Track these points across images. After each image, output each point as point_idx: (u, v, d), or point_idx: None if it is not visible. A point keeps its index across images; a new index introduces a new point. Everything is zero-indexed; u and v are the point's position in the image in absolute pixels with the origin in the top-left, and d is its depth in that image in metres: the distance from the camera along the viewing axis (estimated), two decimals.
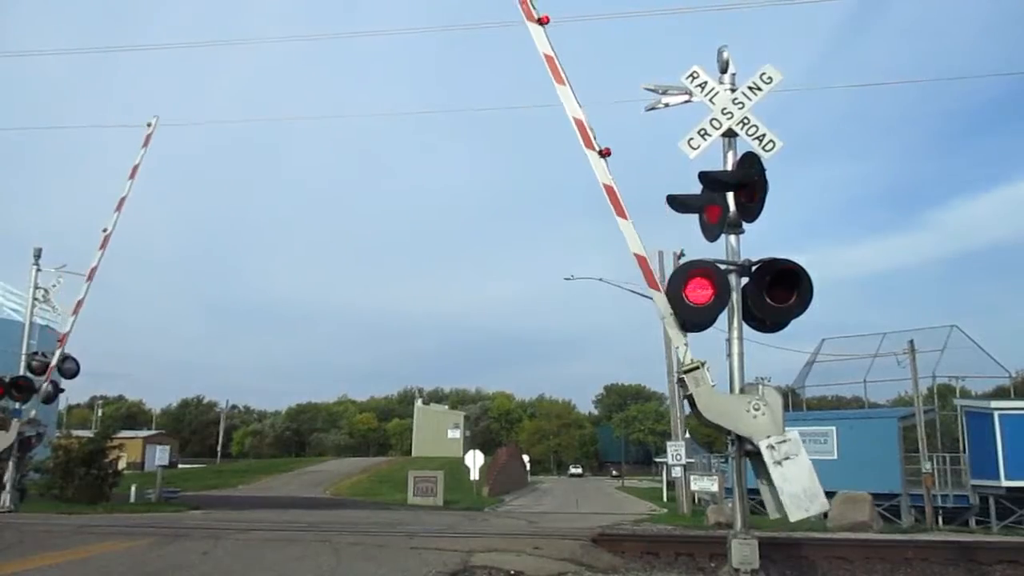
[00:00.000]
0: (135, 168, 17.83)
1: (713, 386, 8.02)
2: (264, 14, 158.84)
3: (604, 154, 9.22)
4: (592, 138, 9.32)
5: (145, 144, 17.91)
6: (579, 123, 9.41)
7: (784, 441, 7.50)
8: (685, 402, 8.09)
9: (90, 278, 17.39)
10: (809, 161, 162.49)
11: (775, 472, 7.39)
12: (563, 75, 9.60)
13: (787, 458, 7.43)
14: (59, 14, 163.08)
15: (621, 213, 9.09)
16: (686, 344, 8.38)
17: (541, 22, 9.74)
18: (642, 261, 8.94)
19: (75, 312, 17.52)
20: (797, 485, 7.35)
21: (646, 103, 9.05)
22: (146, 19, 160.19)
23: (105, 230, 17.36)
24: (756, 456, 7.65)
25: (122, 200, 17.68)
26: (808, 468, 7.46)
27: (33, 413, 17.47)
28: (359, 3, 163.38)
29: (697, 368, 8.04)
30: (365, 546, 9.84)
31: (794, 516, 7.28)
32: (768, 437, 7.50)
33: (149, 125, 17.88)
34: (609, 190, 9.16)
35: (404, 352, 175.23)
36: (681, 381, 8.15)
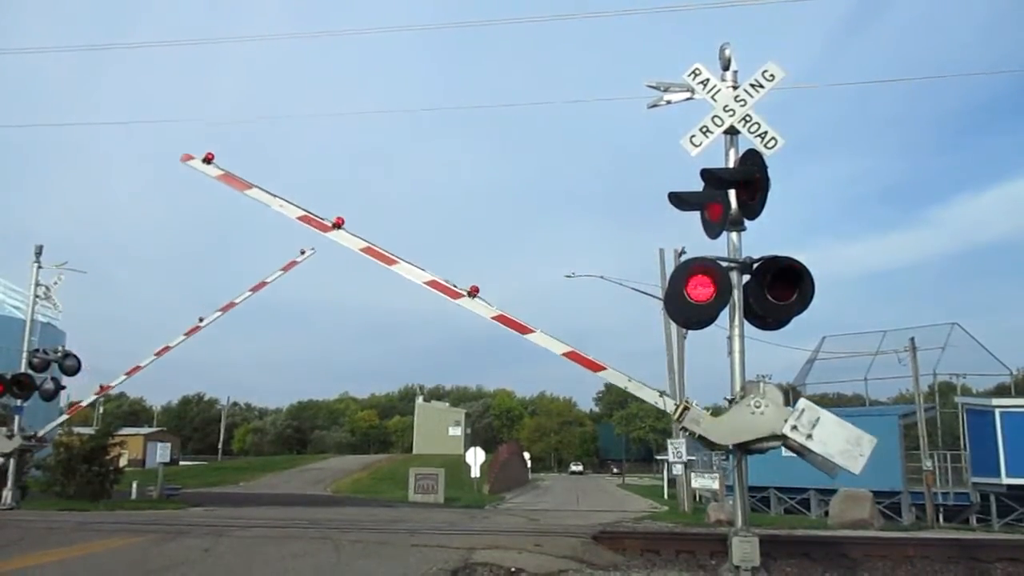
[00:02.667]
0: (262, 284, 17.46)
1: (709, 411, 8.08)
2: (266, 12, 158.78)
3: (473, 293, 9.32)
4: (453, 287, 9.43)
5: (285, 269, 17.49)
6: (434, 284, 9.57)
7: (801, 413, 7.53)
8: (684, 434, 8.15)
9: (159, 354, 17.43)
10: (810, 158, 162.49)
11: (813, 444, 7.45)
12: (392, 256, 9.74)
13: (813, 426, 7.46)
14: (62, 12, 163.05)
15: (525, 331, 9.20)
16: (660, 394, 8.52)
17: (337, 225, 9.83)
18: (573, 356, 9.06)
19: (128, 374, 17.81)
20: (838, 441, 7.42)
21: (648, 100, 9.04)
22: (147, 17, 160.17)
23: (201, 319, 17.18)
24: (789, 442, 7.66)
25: (231, 304, 17.42)
26: (835, 421, 7.54)
27: (42, 432, 17.68)
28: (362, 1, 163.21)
29: (688, 408, 8.08)
30: (366, 543, 9.84)
31: (856, 468, 7.33)
32: (785, 422, 7.52)
33: (303, 253, 17.25)
34: (501, 319, 9.29)
35: (405, 349, 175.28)
36: (684, 428, 8.21)
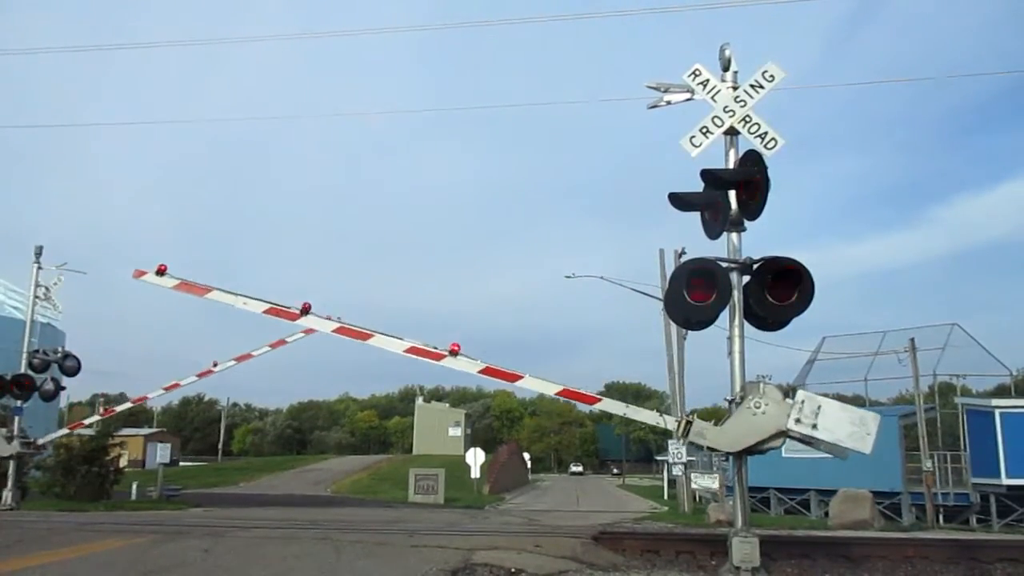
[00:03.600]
0: (281, 341, 16.89)
1: (709, 412, 8.12)
2: (264, 12, 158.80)
3: (454, 351, 9.45)
4: (433, 349, 9.58)
5: (307, 332, 16.95)
6: (413, 350, 9.70)
7: (802, 405, 7.55)
8: (689, 444, 8.30)
9: (168, 389, 17.53)
10: (811, 158, 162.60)
11: (819, 433, 7.50)
12: (366, 331, 9.92)
13: (817, 415, 7.50)
14: (58, 12, 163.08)
15: (514, 377, 9.39)
16: (660, 414, 8.68)
17: (304, 311, 10.17)
18: (566, 393, 9.32)
19: (135, 402, 18.72)
20: (844, 425, 7.47)
21: (648, 101, 9.05)
22: (145, 17, 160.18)
23: (215, 364, 17.03)
24: (794, 435, 7.70)
25: (247, 355, 16.91)
26: (837, 406, 7.61)
27: (42, 440, 17.79)
28: (361, 1, 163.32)
29: (690, 423, 8.14)
30: (366, 544, 9.84)
31: (867, 447, 7.39)
32: (788, 416, 7.54)
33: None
34: (488, 371, 9.51)
35: None
36: (691, 443, 8.33)
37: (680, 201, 8.28)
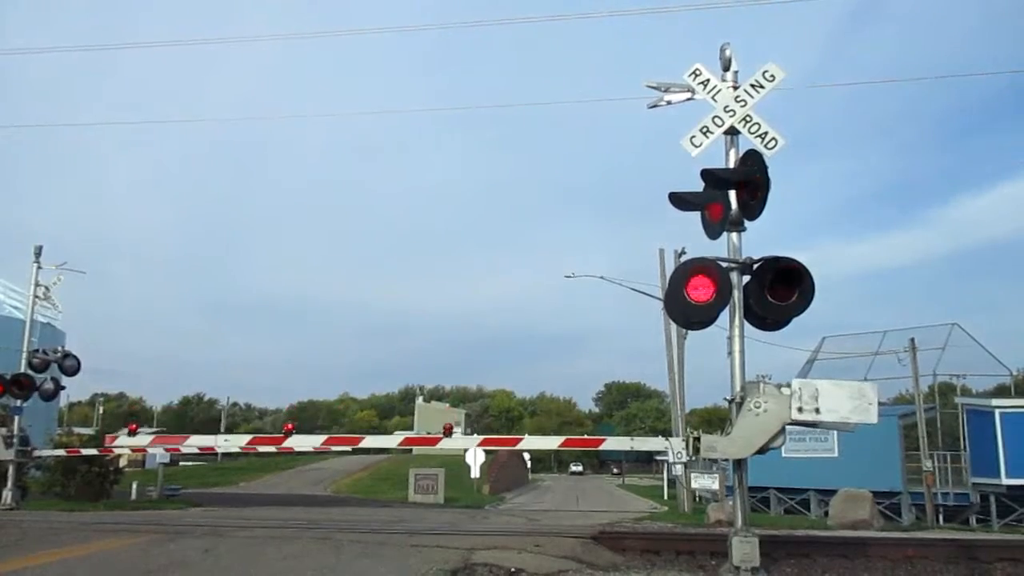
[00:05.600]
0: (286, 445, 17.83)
1: (719, 433, 8.22)
2: (262, 12, 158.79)
3: (448, 431, 10.04)
4: (427, 435, 10.64)
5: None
6: (408, 440, 10.80)
7: (799, 394, 7.60)
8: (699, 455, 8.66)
9: (169, 451, 17.72)
10: (811, 158, 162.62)
11: (824, 416, 7.57)
12: (355, 435, 10.86)
13: (816, 399, 7.55)
14: (56, 12, 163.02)
15: (514, 442, 10.33)
16: (667, 440, 9.00)
17: (288, 432, 10.71)
18: (569, 443, 10.04)
19: (135, 451, 18.16)
20: (844, 402, 7.56)
21: (649, 100, 9.04)
22: (143, 17, 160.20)
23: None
24: (806, 424, 7.78)
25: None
26: (832, 384, 7.69)
27: (38, 452, 17.94)
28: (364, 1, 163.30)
29: (698, 439, 8.28)
30: (366, 543, 9.84)
31: (871, 417, 7.51)
32: (789, 408, 7.57)
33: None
34: (487, 442, 10.99)
35: (405, 350, 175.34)
36: (705, 459, 8.53)
37: (680, 201, 8.28)
